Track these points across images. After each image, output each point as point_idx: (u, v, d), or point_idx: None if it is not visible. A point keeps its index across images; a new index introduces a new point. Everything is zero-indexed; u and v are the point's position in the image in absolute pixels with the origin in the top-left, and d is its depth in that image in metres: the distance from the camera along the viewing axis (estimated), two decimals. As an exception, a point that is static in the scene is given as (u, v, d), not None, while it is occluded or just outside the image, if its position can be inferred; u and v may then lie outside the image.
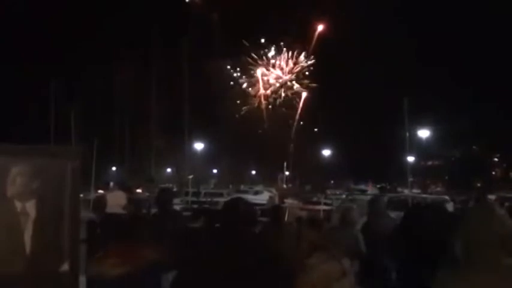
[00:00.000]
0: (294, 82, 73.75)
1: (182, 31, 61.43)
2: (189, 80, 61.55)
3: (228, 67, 71.95)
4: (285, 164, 61.48)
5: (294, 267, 4.13)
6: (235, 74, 72.83)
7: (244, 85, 73.40)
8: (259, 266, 3.65)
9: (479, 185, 63.05)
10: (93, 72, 53.10)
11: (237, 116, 69.18)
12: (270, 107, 73.45)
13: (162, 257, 4.36)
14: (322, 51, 67.17)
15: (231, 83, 72.69)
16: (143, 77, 59.46)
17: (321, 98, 69.12)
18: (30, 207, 4.83)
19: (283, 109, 73.43)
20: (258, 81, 73.27)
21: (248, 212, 3.95)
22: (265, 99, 73.42)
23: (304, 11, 63.85)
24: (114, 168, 65.01)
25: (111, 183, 42.17)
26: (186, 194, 38.94)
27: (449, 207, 9.89)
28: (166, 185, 50.12)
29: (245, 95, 73.30)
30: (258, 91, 73.23)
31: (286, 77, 73.50)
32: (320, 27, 69.18)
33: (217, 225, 4.00)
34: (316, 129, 70.73)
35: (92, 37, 54.59)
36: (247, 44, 70.78)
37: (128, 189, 15.08)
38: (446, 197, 28.57)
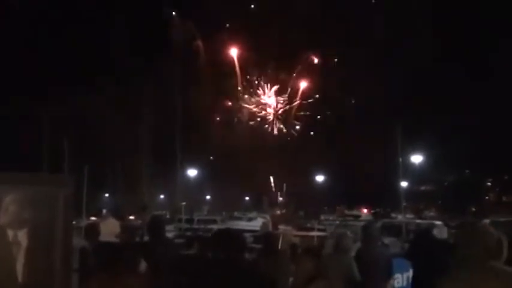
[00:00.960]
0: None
1: (171, 59, 61.70)
2: (181, 106, 61.64)
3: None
4: (278, 192, 61.38)
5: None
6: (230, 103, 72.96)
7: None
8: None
9: (474, 209, 63.07)
10: (85, 100, 53.13)
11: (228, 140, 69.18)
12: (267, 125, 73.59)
13: (153, 286, 4.33)
14: (314, 76, 67.51)
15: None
16: (135, 103, 59.46)
17: (313, 125, 69.45)
18: (22, 236, 4.81)
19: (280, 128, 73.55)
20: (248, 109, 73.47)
21: (237, 241, 3.94)
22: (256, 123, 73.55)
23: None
24: (106, 195, 64.76)
25: (104, 211, 42.03)
26: (179, 221, 38.81)
27: (444, 232, 9.90)
28: (159, 212, 49.96)
29: (239, 121, 73.48)
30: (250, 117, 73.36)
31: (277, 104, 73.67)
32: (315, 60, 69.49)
33: (209, 254, 3.98)
34: (309, 154, 70.76)
35: (83, 65, 54.78)
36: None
37: (121, 217, 15.03)
38: (440, 222, 28.55)
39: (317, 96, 70.62)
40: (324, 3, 59.60)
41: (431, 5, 56.26)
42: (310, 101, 71.57)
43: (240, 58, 69.85)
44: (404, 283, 9.80)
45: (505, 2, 51.76)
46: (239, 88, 72.02)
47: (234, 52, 69.89)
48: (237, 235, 4.07)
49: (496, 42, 54.67)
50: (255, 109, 73.65)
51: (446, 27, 57.07)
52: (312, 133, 71.03)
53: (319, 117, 71.10)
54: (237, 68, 70.58)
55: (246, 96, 73.12)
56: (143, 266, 4.75)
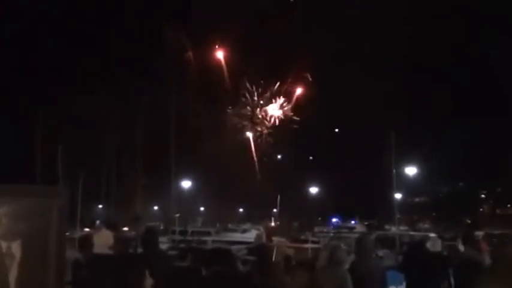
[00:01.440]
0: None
1: (167, 71, 61.70)
2: (175, 116, 61.57)
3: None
4: (277, 201, 61.32)
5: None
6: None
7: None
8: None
9: (469, 221, 63.19)
10: (78, 110, 53.09)
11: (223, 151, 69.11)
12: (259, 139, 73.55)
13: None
14: (307, 88, 67.59)
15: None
16: (129, 114, 59.42)
17: (308, 135, 69.39)
18: (16, 247, 4.78)
19: (271, 140, 73.48)
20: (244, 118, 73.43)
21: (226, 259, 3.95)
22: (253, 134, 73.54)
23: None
24: (100, 206, 64.58)
25: (98, 222, 41.87)
26: (173, 232, 38.72)
27: (438, 245, 9.92)
28: (153, 223, 49.81)
29: (232, 132, 73.44)
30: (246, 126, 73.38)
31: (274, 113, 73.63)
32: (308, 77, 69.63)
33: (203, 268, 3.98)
34: (303, 166, 70.76)
35: (77, 76, 54.79)
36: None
37: (115, 228, 14.96)
38: (434, 235, 28.54)
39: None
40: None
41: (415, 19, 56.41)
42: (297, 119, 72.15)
43: (231, 71, 70.04)
44: (399, 295, 9.79)
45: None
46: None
47: (220, 55, 70.29)
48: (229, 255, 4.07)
49: (489, 54, 54.87)
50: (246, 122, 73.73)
51: (436, 37, 57.40)
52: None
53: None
54: (226, 74, 70.58)
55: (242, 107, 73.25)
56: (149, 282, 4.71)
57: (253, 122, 73.21)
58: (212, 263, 3.90)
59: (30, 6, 50.73)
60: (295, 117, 72.45)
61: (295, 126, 72.05)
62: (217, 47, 66.56)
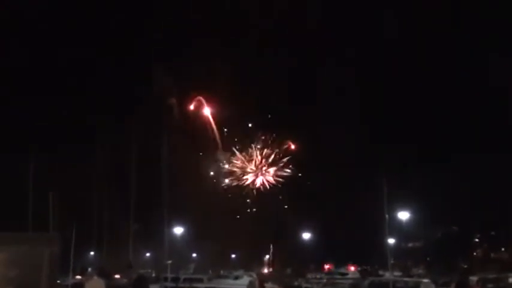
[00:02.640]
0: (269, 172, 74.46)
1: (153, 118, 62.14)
2: (167, 163, 61.66)
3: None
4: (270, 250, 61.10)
5: None
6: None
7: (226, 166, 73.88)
8: None
9: (464, 266, 62.85)
10: (70, 157, 53.19)
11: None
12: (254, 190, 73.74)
13: None
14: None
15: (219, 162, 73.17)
16: (121, 160, 59.52)
17: (299, 184, 69.77)
18: (8, 294, 4.78)
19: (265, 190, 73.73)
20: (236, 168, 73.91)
21: None
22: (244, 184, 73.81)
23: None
24: (92, 253, 64.02)
25: (89, 269, 41.44)
26: (165, 279, 38.32)
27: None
28: (145, 270, 49.35)
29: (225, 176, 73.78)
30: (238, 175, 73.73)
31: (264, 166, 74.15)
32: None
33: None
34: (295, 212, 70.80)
35: (68, 120, 55.06)
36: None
37: (107, 276, 14.86)
38: (428, 280, 28.42)
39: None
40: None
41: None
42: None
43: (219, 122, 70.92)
44: None
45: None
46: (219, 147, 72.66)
47: (207, 112, 71.18)
48: None
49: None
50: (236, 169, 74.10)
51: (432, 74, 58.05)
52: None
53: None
54: (215, 131, 71.33)
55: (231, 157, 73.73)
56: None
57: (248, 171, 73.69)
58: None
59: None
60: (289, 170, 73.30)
61: (290, 173, 72.70)
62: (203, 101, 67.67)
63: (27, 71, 53.30)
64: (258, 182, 73.90)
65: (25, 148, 50.82)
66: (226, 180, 73.82)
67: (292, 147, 72.71)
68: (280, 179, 73.89)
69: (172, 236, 59.39)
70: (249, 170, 74.19)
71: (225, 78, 59.95)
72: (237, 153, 73.71)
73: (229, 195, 71.56)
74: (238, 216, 68.84)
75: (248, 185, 74.02)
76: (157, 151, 61.01)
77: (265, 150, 74.14)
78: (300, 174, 72.36)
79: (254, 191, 73.87)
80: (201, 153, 70.27)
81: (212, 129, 71.11)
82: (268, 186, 73.98)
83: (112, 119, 57.31)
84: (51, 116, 54.79)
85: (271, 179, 74.05)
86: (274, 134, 73.35)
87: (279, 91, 61.80)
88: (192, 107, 70.97)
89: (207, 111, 71.40)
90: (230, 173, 74.15)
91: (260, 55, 60.72)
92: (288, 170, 73.44)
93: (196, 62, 59.11)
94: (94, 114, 56.33)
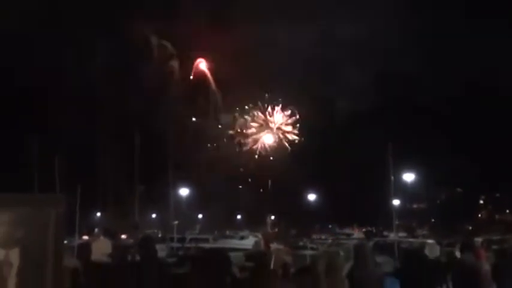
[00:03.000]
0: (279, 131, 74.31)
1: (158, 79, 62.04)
2: (174, 124, 61.72)
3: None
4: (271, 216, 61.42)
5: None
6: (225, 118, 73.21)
7: (231, 132, 73.89)
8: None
9: (470, 228, 63.13)
10: (76, 118, 53.27)
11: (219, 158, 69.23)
12: (257, 152, 73.75)
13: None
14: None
15: (219, 126, 72.99)
16: (127, 120, 59.52)
17: (306, 144, 69.70)
18: (14, 255, 4.79)
19: (270, 157, 73.73)
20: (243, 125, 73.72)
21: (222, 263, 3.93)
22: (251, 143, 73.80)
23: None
24: (98, 214, 64.52)
25: (96, 229, 41.82)
26: (171, 240, 38.65)
27: (436, 250, 9.94)
28: (151, 231, 49.74)
29: (230, 138, 73.77)
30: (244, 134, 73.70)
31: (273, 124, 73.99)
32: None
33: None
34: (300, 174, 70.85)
35: (74, 83, 55.00)
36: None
37: (113, 236, 14.97)
38: (432, 241, 28.57)
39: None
40: None
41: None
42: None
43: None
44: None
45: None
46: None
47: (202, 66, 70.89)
48: (224, 257, 4.06)
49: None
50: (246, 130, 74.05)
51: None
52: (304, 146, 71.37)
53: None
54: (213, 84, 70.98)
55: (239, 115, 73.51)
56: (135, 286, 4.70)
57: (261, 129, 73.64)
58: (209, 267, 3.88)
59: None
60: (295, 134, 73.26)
61: (297, 138, 72.68)
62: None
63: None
64: (265, 141, 73.89)
65: (31, 107, 51.11)
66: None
67: (297, 116, 72.46)
68: (286, 140, 73.87)
69: (178, 197, 59.75)
70: (254, 130, 74.16)
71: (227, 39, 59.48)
72: (247, 117, 73.51)
73: (234, 156, 71.59)
74: (241, 169, 68.75)
75: (254, 145, 74.06)
76: (162, 114, 61.05)
77: (271, 112, 73.99)
78: (303, 139, 72.28)
79: (259, 151, 73.94)
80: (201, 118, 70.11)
81: (213, 92, 70.79)
82: (274, 146, 73.99)
83: (116, 83, 57.19)
84: (55, 81, 54.84)
85: (277, 138, 74.00)
86: (280, 99, 73.16)
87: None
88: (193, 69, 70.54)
89: (207, 71, 71.04)
90: (237, 134, 74.11)
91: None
92: (295, 132, 73.39)
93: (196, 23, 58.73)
94: (96, 79, 56.35)
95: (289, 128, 73.23)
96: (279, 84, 67.43)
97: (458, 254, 9.85)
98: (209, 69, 70.38)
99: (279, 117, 73.47)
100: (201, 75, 71.19)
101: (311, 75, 61.04)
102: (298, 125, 72.42)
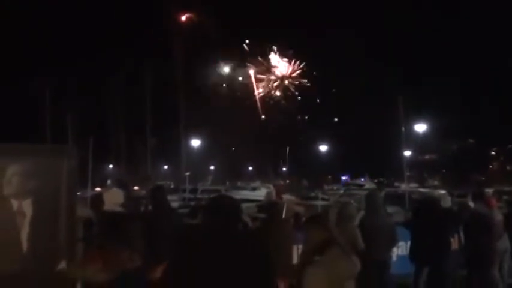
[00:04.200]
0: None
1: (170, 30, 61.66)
2: (184, 75, 61.57)
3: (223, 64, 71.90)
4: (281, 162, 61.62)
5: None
6: (226, 69, 72.80)
7: (240, 79, 73.61)
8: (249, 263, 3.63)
9: (482, 178, 63.09)
10: (88, 71, 53.28)
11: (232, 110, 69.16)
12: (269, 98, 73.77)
13: (148, 260, 4.30)
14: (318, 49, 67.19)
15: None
16: (138, 74, 59.45)
17: (317, 94, 69.49)
18: (27, 206, 4.83)
19: (282, 101, 73.65)
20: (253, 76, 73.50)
21: (232, 208, 3.91)
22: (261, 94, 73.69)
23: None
24: (110, 166, 64.97)
25: (109, 181, 42.11)
26: (183, 191, 38.88)
27: (447, 201, 9.97)
28: (163, 182, 50.07)
29: (241, 89, 73.60)
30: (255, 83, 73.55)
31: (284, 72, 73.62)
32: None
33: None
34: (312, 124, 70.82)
35: (87, 38, 54.88)
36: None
37: (126, 186, 15.05)
38: (444, 191, 28.62)
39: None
40: None
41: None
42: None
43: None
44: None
45: None
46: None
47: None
48: (232, 202, 4.03)
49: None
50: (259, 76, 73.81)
51: None
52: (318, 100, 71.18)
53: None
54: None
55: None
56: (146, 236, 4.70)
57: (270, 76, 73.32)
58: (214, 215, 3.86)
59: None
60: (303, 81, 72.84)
61: (307, 84, 72.33)
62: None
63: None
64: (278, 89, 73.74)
65: (44, 62, 51.23)
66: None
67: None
68: (298, 91, 73.65)
69: (190, 148, 59.94)
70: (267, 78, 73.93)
71: None
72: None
73: (246, 107, 71.51)
74: (256, 128, 68.68)
75: (266, 93, 73.94)
76: (172, 68, 60.90)
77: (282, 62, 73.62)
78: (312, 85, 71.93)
79: (271, 101, 73.82)
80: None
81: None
82: (287, 95, 73.82)
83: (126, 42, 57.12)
84: (70, 39, 54.81)
85: (290, 87, 73.79)
86: (291, 50, 72.68)
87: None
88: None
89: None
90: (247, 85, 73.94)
91: None
92: (305, 81, 73.07)
93: None
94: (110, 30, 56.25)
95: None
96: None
97: (470, 203, 9.85)
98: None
99: (283, 66, 73.17)
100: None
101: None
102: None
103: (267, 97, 74.08)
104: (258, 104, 73.37)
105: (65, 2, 55.68)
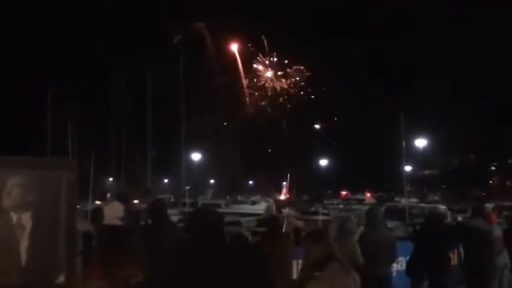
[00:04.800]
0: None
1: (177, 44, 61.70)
2: (185, 88, 61.58)
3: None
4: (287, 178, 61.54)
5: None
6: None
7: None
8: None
9: (483, 194, 62.97)
10: (89, 82, 53.35)
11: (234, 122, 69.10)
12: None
13: (148, 274, 4.30)
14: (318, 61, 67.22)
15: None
16: (139, 86, 59.50)
17: (317, 108, 69.45)
18: (26, 219, 4.82)
19: (288, 106, 73.53)
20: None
21: (215, 221, 3.90)
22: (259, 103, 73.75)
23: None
24: (111, 179, 64.91)
25: (109, 194, 42.06)
26: (184, 204, 38.83)
27: (448, 216, 9.92)
28: (163, 196, 50.04)
29: (241, 103, 73.60)
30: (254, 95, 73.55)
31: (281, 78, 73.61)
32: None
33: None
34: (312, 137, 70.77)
35: (88, 48, 54.87)
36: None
37: (126, 200, 15.03)
38: (444, 207, 28.57)
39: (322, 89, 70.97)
40: None
41: None
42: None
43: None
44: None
45: None
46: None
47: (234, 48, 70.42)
48: (214, 215, 4.02)
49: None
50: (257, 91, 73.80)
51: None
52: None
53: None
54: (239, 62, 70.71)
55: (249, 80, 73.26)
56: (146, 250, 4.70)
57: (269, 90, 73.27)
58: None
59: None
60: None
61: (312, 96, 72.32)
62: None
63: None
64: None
65: (45, 72, 51.19)
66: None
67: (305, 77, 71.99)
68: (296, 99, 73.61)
69: (190, 162, 59.92)
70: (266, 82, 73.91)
71: None
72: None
73: (246, 119, 71.47)
74: (256, 142, 68.58)
75: (265, 105, 73.92)
76: (174, 80, 60.88)
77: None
78: (312, 96, 71.90)
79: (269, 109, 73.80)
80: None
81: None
82: (286, 107, 73.79)
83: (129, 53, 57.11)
84: (72, 50, 54.82)
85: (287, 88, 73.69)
86: (286, 61, 72.66)
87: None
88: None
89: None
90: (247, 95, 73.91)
91: None
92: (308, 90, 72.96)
93: None
94: (115, 41, 56.25)
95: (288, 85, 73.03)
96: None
97: (469, 219, 9.86)
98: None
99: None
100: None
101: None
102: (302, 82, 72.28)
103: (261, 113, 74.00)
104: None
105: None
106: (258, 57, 72.31)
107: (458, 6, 54.65)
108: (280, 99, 73.78)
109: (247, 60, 71.97)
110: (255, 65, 72.91)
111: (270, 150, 68.05)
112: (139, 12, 58.52)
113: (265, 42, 70.25)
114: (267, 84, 73.80)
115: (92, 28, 55.67)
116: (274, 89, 73.73)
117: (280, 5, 58.64)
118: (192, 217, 4.04)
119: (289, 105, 73.14)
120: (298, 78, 73.05)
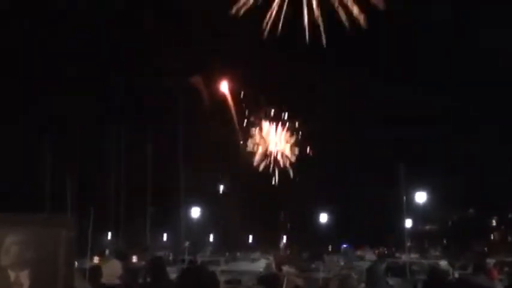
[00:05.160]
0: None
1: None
2: (183, 146, 61.70)
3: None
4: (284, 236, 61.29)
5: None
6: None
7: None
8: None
9: (484, 249, 62.58)
10: (87, 139, 53.52)
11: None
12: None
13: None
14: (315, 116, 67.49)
15: None
16: (138, 143, 59.61)
17: (317, 164, 69.46)
18: (24, 277, 4.78)
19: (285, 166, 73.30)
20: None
21: (208, 280, 3.88)
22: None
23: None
24: (109, 237, 64.48)
25: (107, 252, 41.72)
26: (182, 262, 38.51)
27: (449, 272, 9.81)
28: (162, 253, 49.68)
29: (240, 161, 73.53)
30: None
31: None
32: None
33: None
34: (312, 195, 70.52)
35: (86, 104, 55.19)
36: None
37: (124, 258, 14.92)
38: (445, 262, 28.35)
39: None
40: None
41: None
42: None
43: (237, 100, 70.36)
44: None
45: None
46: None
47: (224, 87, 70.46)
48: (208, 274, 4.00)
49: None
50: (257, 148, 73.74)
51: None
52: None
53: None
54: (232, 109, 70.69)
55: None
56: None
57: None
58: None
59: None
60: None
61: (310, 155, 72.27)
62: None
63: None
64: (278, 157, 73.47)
65: (43, 128, 51.30)
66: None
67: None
68: (295, 160, 73.53)
69: (189, 219, 59.64)
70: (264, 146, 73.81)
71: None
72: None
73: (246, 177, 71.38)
74: (255, 198, 68.35)
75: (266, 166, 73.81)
76: (173, 134, 61.03)
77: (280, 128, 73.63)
78: (311, 153, 71.84)
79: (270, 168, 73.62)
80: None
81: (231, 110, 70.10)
82: (285, 165, 73.59)
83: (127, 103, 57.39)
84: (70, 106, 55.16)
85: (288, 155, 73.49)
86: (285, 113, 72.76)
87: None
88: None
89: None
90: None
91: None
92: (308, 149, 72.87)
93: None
94: (111, 97, 56.53)
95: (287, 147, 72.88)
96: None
97: (471, 275, 9.77)
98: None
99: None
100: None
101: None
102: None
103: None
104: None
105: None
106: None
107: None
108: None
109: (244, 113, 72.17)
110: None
111: (267, 206, 67.47)
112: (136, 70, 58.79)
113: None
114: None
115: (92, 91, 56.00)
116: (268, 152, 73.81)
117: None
118: (185, 276, 4.00)
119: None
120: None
